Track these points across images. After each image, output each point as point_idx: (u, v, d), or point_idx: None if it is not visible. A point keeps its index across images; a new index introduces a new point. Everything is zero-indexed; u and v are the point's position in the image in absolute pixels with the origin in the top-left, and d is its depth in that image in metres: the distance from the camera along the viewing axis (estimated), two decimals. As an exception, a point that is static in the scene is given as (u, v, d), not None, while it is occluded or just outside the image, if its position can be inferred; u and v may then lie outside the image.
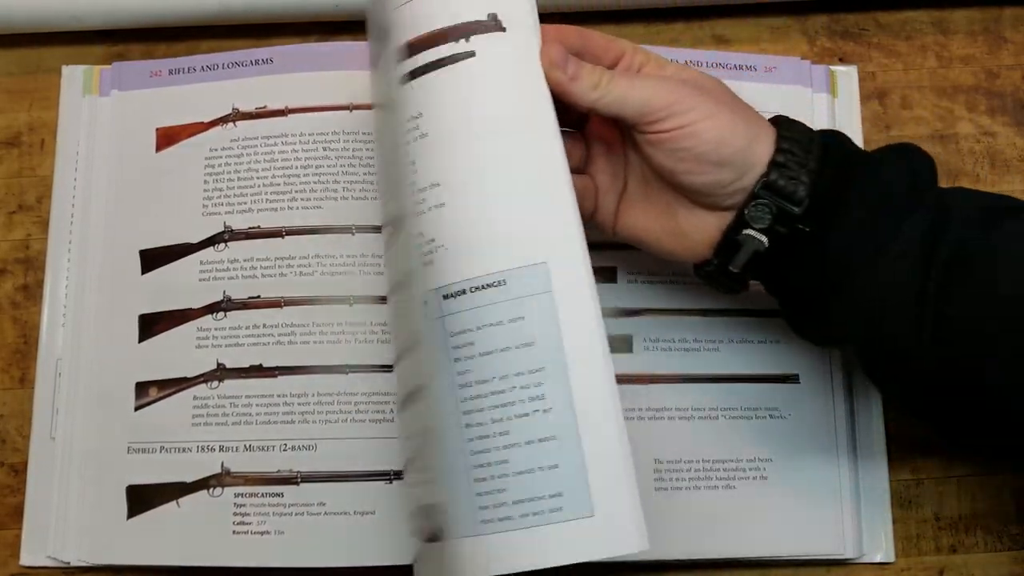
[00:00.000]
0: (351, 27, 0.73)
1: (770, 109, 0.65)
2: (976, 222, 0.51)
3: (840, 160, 0.53)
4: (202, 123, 0.69)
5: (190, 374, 0.65)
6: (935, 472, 0.67)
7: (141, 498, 0.64)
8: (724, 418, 0.65)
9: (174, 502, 0.63)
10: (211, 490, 0.63)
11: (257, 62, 0.69)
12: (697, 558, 0.64)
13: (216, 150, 0.68)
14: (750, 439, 0.65)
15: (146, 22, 0.72)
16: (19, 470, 0.67)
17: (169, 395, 0.65)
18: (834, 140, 0.54)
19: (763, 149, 0.52)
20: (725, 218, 0.54)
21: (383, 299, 0.65)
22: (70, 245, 0.68)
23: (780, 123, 0.54)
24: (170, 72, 0.70)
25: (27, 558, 0.65)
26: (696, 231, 0.55)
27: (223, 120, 0.68)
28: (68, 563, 0.64)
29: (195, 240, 0.67)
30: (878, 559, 0.65)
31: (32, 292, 0.69)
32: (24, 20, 0.71)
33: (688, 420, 0.65)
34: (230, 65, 0.69)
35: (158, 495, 0.64)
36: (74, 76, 0.71)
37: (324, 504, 0.63)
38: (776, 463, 0.65)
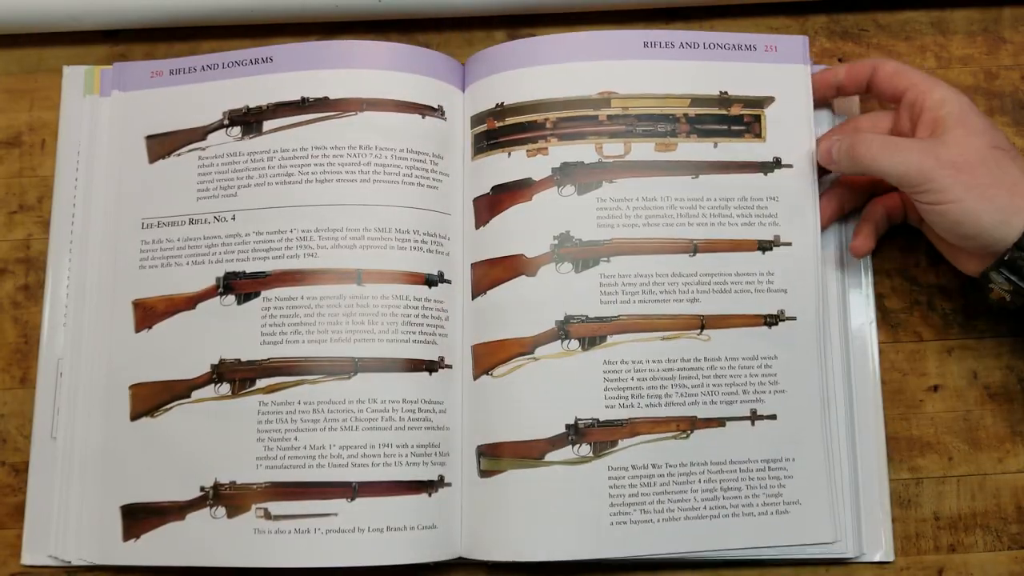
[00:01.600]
0: (351, 27, 0.73)
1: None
2: None
3: None
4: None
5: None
6: (934, 472, 0.67)
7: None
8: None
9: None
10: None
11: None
12: (696, 555, 0.64)
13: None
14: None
15: (147, 22, 0.72)
16: (20, 470, 0.67)
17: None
18: None
19: (1014, 229, 0.58)
20: (987, 262, 0.61)
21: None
22: (71, 245, 0.68)
23: None
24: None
25: (28, 557, 0.65)
26: (967, 261, 0.63)
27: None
28: (69, 562, 0.64)
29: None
30: (877, 558, 0.65)
31: (33, 292, 0.69)
32: (25, 20, 0.71)
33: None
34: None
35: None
36: (75, 76, 0.71)
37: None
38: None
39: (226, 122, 0.68)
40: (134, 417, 0.65)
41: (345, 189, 0.66)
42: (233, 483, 0.63)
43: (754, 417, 0.65)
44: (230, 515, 0.63)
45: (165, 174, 0.68)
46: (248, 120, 0.68)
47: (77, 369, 0.66)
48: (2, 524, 0.66)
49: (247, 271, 0.66)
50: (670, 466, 0.64)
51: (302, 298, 0.65)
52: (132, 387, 0.65)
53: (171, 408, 0.65)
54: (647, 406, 0.65)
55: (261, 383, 0.64)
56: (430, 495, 0.63)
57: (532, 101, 0.67)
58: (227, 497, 0.63)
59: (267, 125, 0.68)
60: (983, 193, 0.58)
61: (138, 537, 0.64)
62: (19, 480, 0.66)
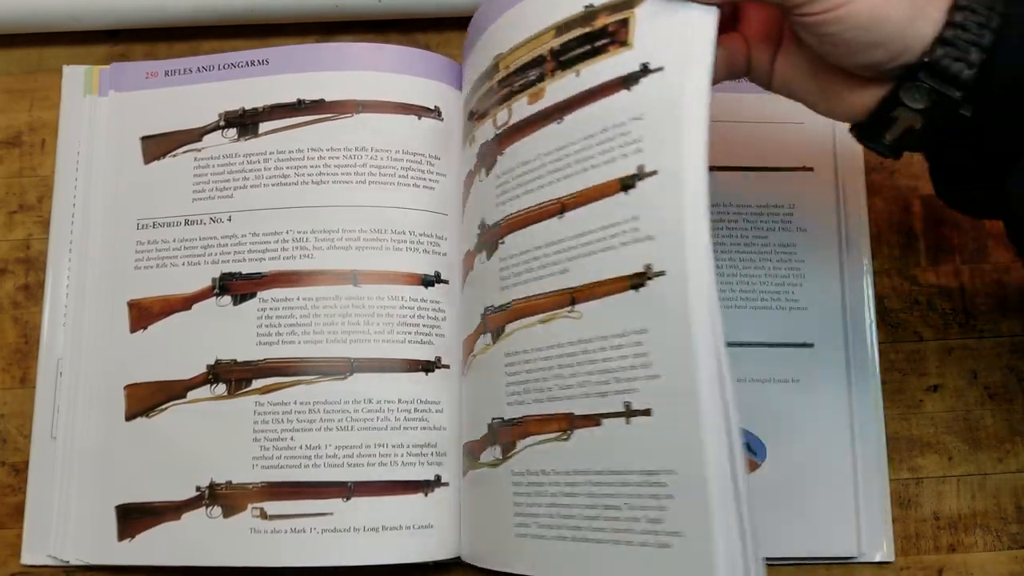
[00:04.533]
0: (351, 27, 0.73)
1: None
2: None
3: None
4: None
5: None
6: (934, 471, 0.67)
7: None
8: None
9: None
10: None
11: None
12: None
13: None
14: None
15: (147, 22, 0.72)
16: (20, 469, 0.67)
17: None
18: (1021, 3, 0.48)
19: (928, 24, 0.47)
20: (883, 89, 0.50)
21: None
22: (71, 245, 0.69)
23: None
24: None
25: (28, 557, 0.65)
26: (853, 96, 0.51)
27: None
28: (68, 562, 0.64)
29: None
30: (877, 558, 0.65)
31: (33, 292, 0.69)
32: (25, 20, 0.71)
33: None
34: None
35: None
36: (75, 76, 0.72)
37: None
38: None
39: (222, 123, 0.68)
40: (129, 417, 0.65)
41: (341, 190, 0.66)
42: (229, 483, 0.63)
43: (628, 413, 0.51)
44: (226, 515, 0.63)
45: (161, 175, 0.69)
46: (244, 122, 0.68)
47: (76, 369, 0.67)
48: (2, 524, 0.66)
49: (243, 272, 0.66)
50: (557, 473, 0.55)
51: (298, 299, 0.65)
52: (127, 387, 0.66)
53: (167, 408, 0.65)
54: (534, 401, 0.57)
55: (257, 383, 0.64)
56: (426, 495, 0.63)
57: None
58: (223, 497, 0.63)
59: (263, 127, 0.68)
60: None
61: (133, 537, 0.64)
62: (19, 480, 0.67)
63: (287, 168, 0.67)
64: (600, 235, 0.53)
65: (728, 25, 0.54)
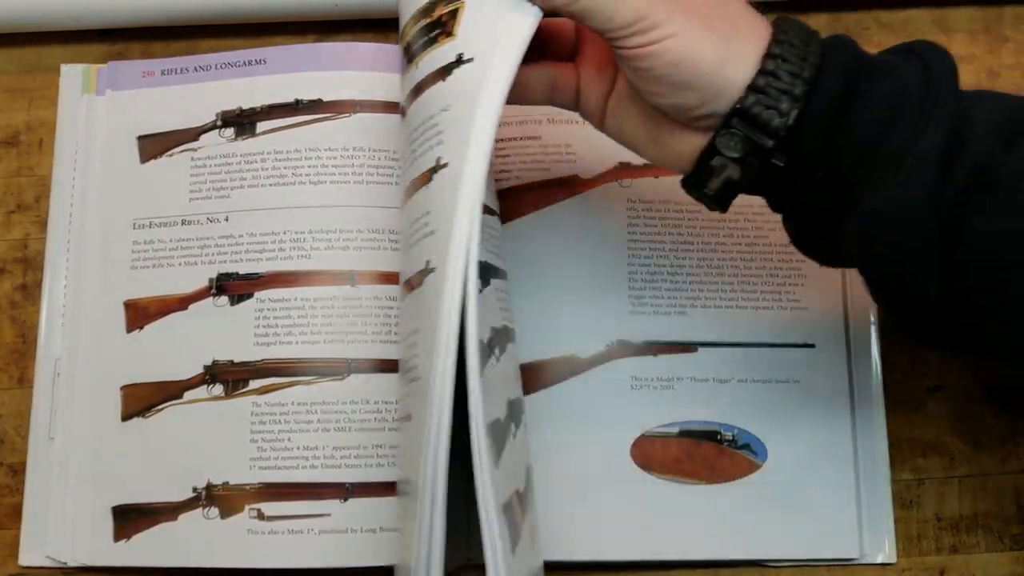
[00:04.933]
0: (351, 26, 0.73)
1: None
2: (1000, 137, 0.46)
3: (842, 71, 0.47)
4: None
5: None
6: (936, 472, 0.66)
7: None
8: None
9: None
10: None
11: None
12: (696, 559, 0.64)
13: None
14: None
15: (145, 21, 0.72)
16: (18, 470, 0.67)
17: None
18: (839, 45, 0.48)
19: (741, 70, 0.47)
20: (704, 138, 0.49)
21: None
22: (69, 245, 0.68)
23: (777, 30, 0.48)
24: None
25: (26, 558, 0.65)
26: (678, 144, 0.50)
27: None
28: (66, 563, 0.64)
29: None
30: (879, 560, 0.65)
31: (31, 292, 0.69)
32: (23, 19, 0.71)
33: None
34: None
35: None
36: (73, 75, 0.71)
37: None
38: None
39: (219, 123, 0.68)
40: (126, 417, 0.65)
41: (339, 190, 0.66)
42: (226, 484, 0.63)
43: None
44: (223, 516, 0.63)
45: (157, 175, 0.68)
46: (241, 121, 0.68)
47: (74, 369, 0.66)
48: (0, 525, 0.66)
49: (240, 272, 0.66)
50: None
51: (295, 299, 0.64)
52: (124, 388, 0.65)
53: (164, 409, 0.65)
54: None
55: (255, 384, 0.64)
56: None
57: None
58: (220, 498, 0.63)
59: (260, 126, 0.68)
60: (705, 23, 0.47)
61: (130, 538, 0.63)
62: (17, 481, 0.66)
63: (284, 168, 0.67)
64: (411, 229, 0.51)
65: (565, 55, 0.55)
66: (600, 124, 0.55)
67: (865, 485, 0.65)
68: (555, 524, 0.63)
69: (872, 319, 0.67)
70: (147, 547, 0.63)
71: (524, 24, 0.49)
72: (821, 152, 0.47)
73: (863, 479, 0.65)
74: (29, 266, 0.70)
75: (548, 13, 0.49)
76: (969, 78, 0.71)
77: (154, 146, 0.69)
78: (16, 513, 0.66)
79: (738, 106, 0.47)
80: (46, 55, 0.73)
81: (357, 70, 0.68)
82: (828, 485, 0.64)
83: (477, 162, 0.46)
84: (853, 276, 0.67)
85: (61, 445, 0.65)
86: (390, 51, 0.68)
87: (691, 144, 0.50)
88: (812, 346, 0.66)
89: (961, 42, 0.72)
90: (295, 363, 0.64)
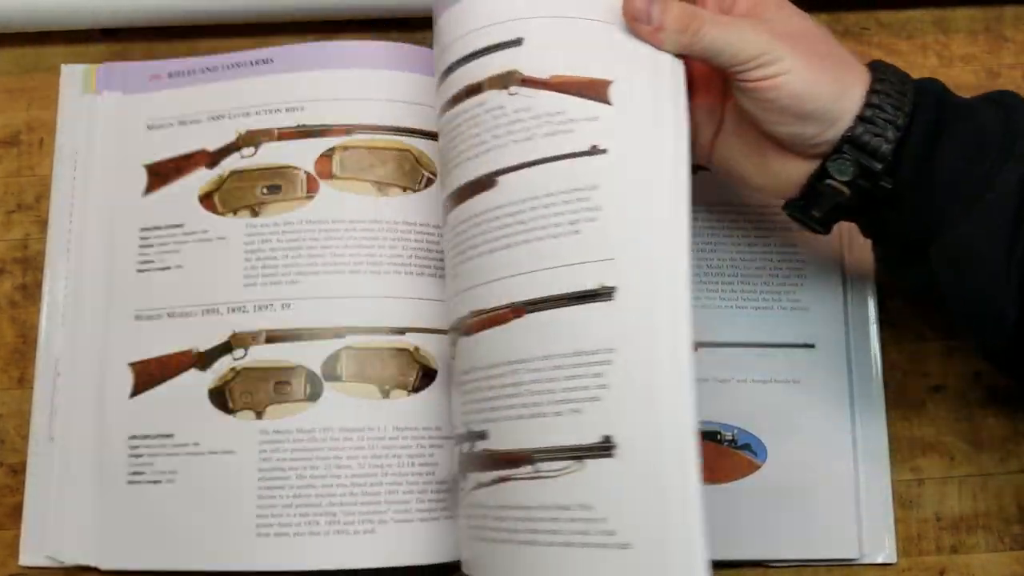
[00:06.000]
0: (350, 26, 0.73)
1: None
2: None
3: (934, 109, 0.53)
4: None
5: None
6: (936, 472, 0.67)
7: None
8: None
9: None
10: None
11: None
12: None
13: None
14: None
15: (145, 21, 0.72)
16: (18, 470, 0.67)
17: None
18: (930, 87, 0.55)
19: (851, 103, 0.53)
20: (813, 164, 0.55)
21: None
22: (69, 245, 0.68)
23: (875, 70, 0.54)
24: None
25: (26, 558, 0.65)
26: (785, 172, 0.56)
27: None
28: (66, 563, 0.64)
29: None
30: (880, 560, 0.65)
31: (31, 292, 0.69)
32: (23, 18, 0.71)
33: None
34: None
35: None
36: (73, 75, 0.71)
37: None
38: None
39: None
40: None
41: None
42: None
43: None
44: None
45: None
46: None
47: (74, 369, 0.66)
48: (0, 525, 0.66)
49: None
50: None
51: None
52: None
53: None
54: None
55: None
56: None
57: None
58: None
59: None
60: (820, 62, 0.53)
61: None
62: (17, 481, 0.66)
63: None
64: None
65: None
66: (708, 160, 0.60)
67: (865, 485, 0.65)
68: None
69: (872, 319, 0.67)
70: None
71: (678, 69, 0.55)
72: (913, 179, 0.53)
73: (863, 479, 0.65)
74: (29, 266, 0.70)
75: (674, 47, 0.54)
76: (969, 78, 0.72)
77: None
78: (16, 513, 0.66)
79: (849, 134, 0.53)
80: (46, 55, 0.73)
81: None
82: (828, 485, 0.64)
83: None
84: (853, 276, 0.68)
85: (61, 445, 0.65)
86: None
87: (799, 171, 0.55)
88: (812, 346, 0.66)
89: (961, 42, 0.73)
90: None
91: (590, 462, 0.50)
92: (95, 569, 0.64)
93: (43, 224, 0.70)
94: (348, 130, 0.66)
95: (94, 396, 0.66)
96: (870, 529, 0.65)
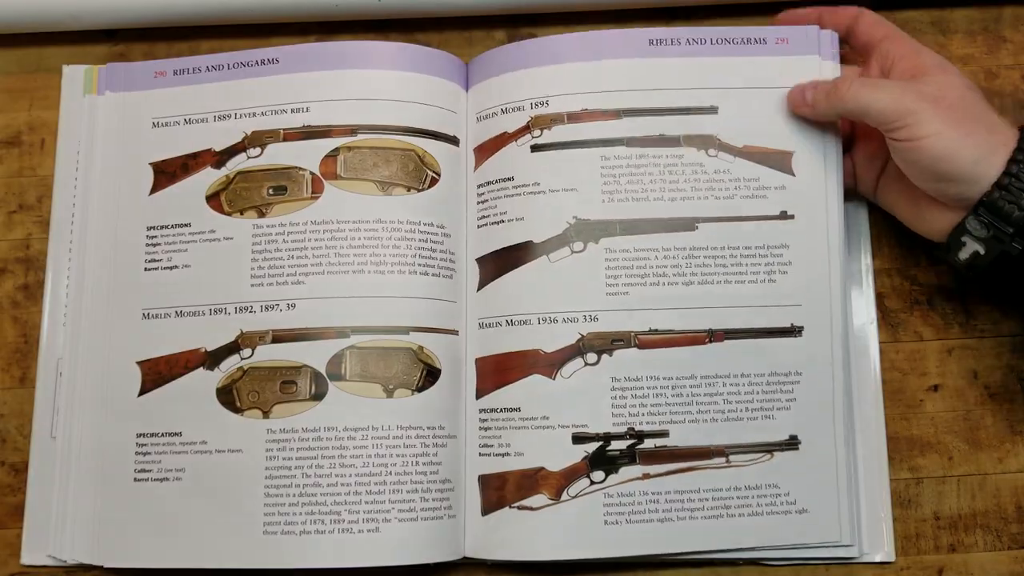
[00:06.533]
0: (351, 26, 0.73)
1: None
2: None
3: None
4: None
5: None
6: (934, 471, 0.67)
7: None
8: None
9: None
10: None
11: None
12: (697, 554, 0.64)
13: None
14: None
15: (147, 22, 0.72)
16: (20, 469, 0.67)
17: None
18: None
19: (992, 168, 0.57)
20: (959, 216, 0.60)
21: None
22: (71, 245, 0.68)
23: (1022, 136, 0.58)
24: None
25: (28, 557, 0.65)
26: (935, 219, 0.62)
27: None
28: (67, 562, 0.64)
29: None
30: (878, 559, 0.65)
31: (33, 292, 0.69)
32: (24, 19, 0.71)
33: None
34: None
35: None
36: (74, 76, 0.71)
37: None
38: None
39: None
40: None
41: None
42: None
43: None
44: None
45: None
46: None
47: (76, 369, 0.66)
48: (2, 524, 0.66)
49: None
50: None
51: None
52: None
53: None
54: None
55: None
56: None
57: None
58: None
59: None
60: (963, 128, 0.58)
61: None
62: (19, 480, 0.66)
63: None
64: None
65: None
66: (873, 197, 0.68)
67: (864, 484, 0.65)
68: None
69: (872, 319, 0.68)
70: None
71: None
72: None
73: (862, 478, 0.65)
74: (31, 266, 0.70)
75: (827, 113, 0.64)
76: (968, 79, 0.72)
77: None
78: (18, 512, 0.66)
79: (985, 199, 0.58)
80: (48, 56, 0.73)
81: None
82: (827, 484, 0.64)
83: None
84: (851, 275, 0.68)
85: (63, 444, 0.65)
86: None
87: (946, 220, 0.61)
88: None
89: (960, 43, 0.73)
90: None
91: (778, 454, 0.64)
92: (97, 567, 0.64)
93: (45, 224, 0.70)
94: (353, 130, 0.67)
95: (97, 395, 0.66)
96: (869, 528, 0.65)
